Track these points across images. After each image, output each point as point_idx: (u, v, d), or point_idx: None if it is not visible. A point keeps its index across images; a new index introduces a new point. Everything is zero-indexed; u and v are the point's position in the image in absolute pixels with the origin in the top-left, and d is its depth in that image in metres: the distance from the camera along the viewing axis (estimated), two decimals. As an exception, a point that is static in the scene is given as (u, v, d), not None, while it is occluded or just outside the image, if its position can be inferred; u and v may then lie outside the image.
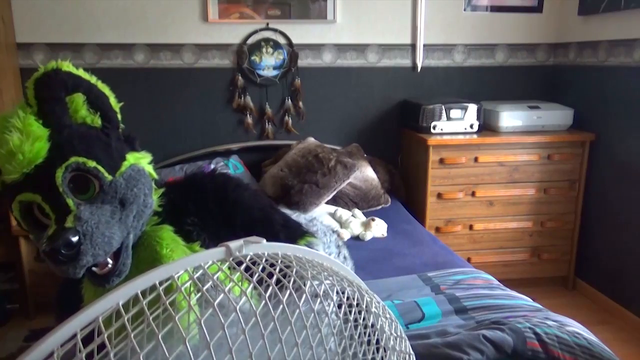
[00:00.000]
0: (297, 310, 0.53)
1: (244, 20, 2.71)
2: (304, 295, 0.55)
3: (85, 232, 0.86)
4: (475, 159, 2.56)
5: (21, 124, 0.88)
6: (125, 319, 0.47)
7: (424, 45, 2.87)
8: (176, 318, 0.48)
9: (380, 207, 2.57)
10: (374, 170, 2.63)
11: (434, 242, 2.15)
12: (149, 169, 1.05)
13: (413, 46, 2.88)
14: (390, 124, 2.95)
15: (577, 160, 2.64)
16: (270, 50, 2.75)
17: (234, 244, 0.55)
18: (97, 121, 0.98)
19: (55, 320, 1.18)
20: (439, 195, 2.57)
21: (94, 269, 0.92)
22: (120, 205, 0.95)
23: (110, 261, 0.94)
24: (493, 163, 2.57)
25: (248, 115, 2.80)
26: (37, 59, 2.61)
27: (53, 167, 0.89)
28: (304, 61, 2.81)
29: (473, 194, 2.59)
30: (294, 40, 2.77)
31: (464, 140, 2.54)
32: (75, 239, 0.85)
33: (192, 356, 0.46)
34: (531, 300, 1.55)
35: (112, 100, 1.00)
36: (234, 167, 2.64)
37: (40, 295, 2.50)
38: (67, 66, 0.93)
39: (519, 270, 2.73)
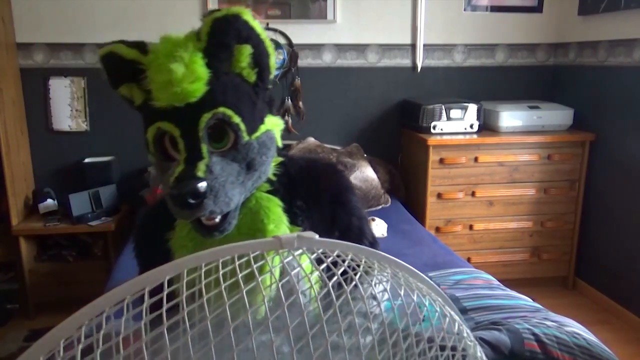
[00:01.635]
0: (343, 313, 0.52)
1: (244, 20, 2.71)
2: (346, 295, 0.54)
3: (213, 187, 0.88)
4: (475, 159, 2.56)
5: (188, 58, 0.89)
6: (160, 299, 0.48)
7: (424, 45, 2.87)
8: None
9: (380, 207, 2.57)
10: (374, 170, 2.63)
11: (434, 242, 2.15)
12: (278, 136, 1.05)
13: (413, 46, 2.88)
14: (390, 124, 2.95)
15: (577, 160, 2.64)
16: (270, 50, 2.75)
17: (285, 237, 0.55)
18: (253, 77, 0.99)
19: (137, 262, 1.17)
20: (439, 195, 2.56)
21: (202, 217, 0.93)
22: (247, 167, 0.96)
23: (218, 218, 0.95)
24: (493, 163, 2.57)
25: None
26: (37, 59, 2.61)
27: (201, 110, 0.91)
28: (304, 61, 2.81)
29: (473, 194, 2.59)
30: (294, 40, 2.77)
31: (464, 140, 2.54)
32: (203, 190, 0.86)
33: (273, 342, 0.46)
34: (531, 300, 1.55)
35: (272, 60, 1.01)
36: (234, 167, 2.64)
37: (40, 295, 2.50)
38: (247, 14, 0.93)
39: (519, 270, 2.72)
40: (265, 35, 0.97)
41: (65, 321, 0.47)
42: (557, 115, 2.70)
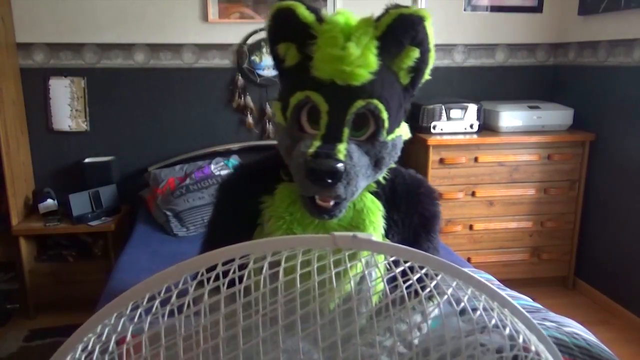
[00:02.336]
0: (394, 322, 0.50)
1: (244, 20, 2.71)
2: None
3: (349, 172, 0.88)
4: (475, 159, 2.56)
5: (366, 42, 0.90)
6: (219, 277, 0.48)
7: (424, 45, 2.87)
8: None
9: (380, 207, 2.57)
10: (373, 170, 2.62)
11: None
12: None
13: (413, 46, 2.87)
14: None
15: (577, 160, 2.64)
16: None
17: (340, 235, 0.53)
18: (406, 80, 1.00)
19: (216, 213, 1.17)
20: (439, 195, 2.56)
21: (318, 197, 0.94)
22: (374, 164, 0.96)
23: (333, 202, 0.95)
24: (493, 163, 2.57)
25: (249, 115, 2.80)
26: (37, 59, 2.61)
27: (357, 95, 0.91)
28: (304, 61, 2.80)
29: (473, 194, 2.59)
30: (294, 40, 2.76)
31: (464, 140, 2.54)
32: (340, 171, 0.87)
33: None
34: (531, 300, 1.55)
35: (427, 71, 1.02)
36: (234, 167, 2.64)
37: (40, 295, 2.50)
38: (428, 19, 0.96)
39: (519, 270, 2.72)
40: (433, 46, 0.99)
41: (138, 285, 0.50)
42: (557, 115, 2.70)
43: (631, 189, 2.44)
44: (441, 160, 2.53)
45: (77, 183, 2.62)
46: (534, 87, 3.05)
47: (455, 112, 2.62)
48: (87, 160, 2.66)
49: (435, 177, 2.54)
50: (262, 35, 2.74)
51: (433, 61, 1.01)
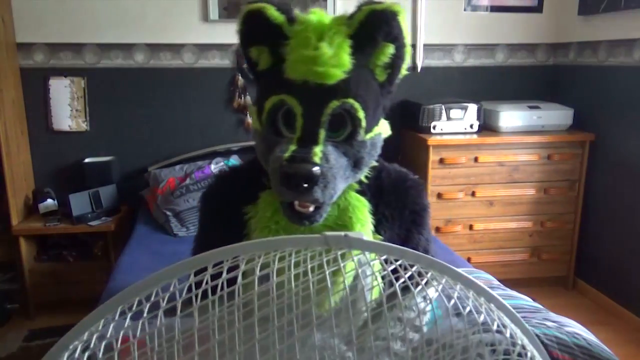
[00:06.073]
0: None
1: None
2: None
3: (325, 175, 0.86)
4: (475, 159, 2.56)
5: (338, 42, 0.88)
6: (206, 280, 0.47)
7: (424, 45, 2.87)
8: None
9: (380, 207, 2.57)
10: (373, 170, 2.63)
11: (434, 242, 2.14)
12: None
13: (413, 46, 2.87)
14: (390, 124, 2.93)
15: (577, 160, 2.64)
16: (270, 50, 2.74)
17: (332, 235, 0.52)
18: (383, 77, 0.98)
19: (203, 226, 1.14)
20: (439, 195, 2.56)
21: (297, 203, 0.91)
22: (353, 164, 0.94)
23: (312, 207, 0.93)
24: (493, 163, 2.57)
25: (248, 115, 2.80)
26: (37, 59, 2.60)
27: (332, 96, 0.89)
28: (304, 61, 2.80)
29: (473, 194, 2.59)
30: (294, 40, 2.76)
31: (464, 140, 2.54)
32: (316, 175, 0.84)
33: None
34: (531, 300, 1.54)
35: (404, 67, 0.99)
36: (233, 167, 2.64)
37: (40, 295, 2.50)
38: (403, 15, 0.92)
39: (518, 270, 2.72)
40: (409, 40, 0.96)
41: (131, 286, 0.50)
42: (557, 115, 2.70)
43: (631, 189, 2.44)
44: (441, 160, 2.53)
45: (77, 183, 2.62)
46: (534, 87, 3.05)
47: (455, 112, 2.62)
48: (87, 160, 2.66)
49: (435, 177, 2.54)
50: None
51: (409, 56, 0.99)
